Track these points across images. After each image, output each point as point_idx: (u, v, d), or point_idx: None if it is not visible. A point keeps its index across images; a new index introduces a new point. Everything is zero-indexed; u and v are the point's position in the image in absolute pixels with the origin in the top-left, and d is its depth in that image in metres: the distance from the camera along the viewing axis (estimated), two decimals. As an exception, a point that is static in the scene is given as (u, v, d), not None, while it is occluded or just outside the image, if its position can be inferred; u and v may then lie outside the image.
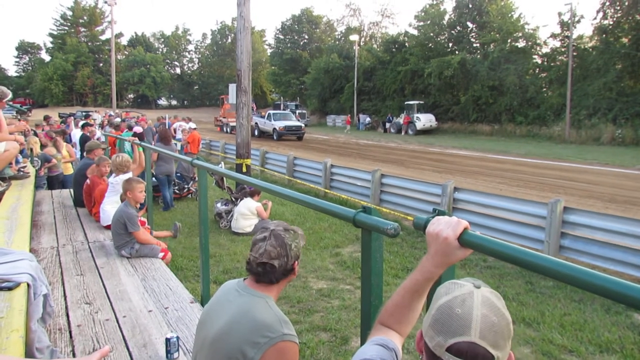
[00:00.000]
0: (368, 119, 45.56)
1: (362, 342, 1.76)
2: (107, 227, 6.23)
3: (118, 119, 19.80)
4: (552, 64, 35.49)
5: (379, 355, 1.35)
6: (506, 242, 1.41)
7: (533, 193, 12.27)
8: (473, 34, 41.94)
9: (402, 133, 38.84)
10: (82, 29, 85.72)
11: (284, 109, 44.22)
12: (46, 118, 17.91)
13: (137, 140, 8.39)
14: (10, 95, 4.87)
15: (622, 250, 6.33)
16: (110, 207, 6.21)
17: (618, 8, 31.20)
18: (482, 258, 7.25)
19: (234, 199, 9.61)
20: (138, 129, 12.26)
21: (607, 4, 31.48)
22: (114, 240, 5.38)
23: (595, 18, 32.47)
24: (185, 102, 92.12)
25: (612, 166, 18.47)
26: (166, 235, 6.32)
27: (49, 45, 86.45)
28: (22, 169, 7.14)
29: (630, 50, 29.12)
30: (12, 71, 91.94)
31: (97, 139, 12.33)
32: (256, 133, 34.03)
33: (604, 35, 31.51)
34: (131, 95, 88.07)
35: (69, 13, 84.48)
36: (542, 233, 7.21)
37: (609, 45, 30.57)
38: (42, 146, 10.08)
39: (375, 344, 1.40)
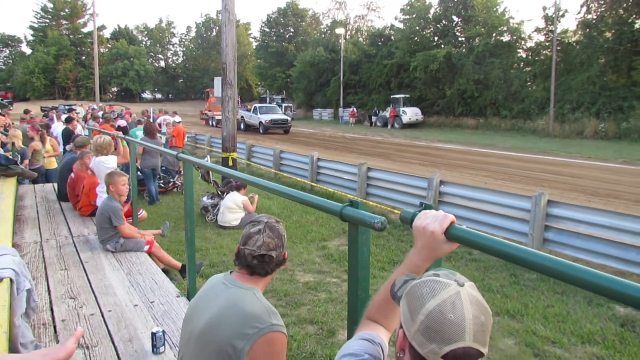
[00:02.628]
0: (351, 111, 45.28)
1: (349, 336, 1.77)
2: None
3: (101, 113, 19.59)
4: (536, 59, 35.71)
5: (364, 350, 1.35)
6: (491, 235, 1.41)
7: (518, 186, 12.37)
8: (458, 28, 42.05)
9: (389, 127, 38.93)
10: (64, 22, 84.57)
11: (270, 103, 44.10)
12: (27, 112, 17.66)
13: (121, 134, 8.32)
14: None
15: (605, 243, 6.42)
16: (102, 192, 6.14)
17: (602, 3, 31.47)
18: (468, 251, 7.30)
19: (220, 193, 9.57)
20: (122, 122, 12.16)
21: (591, -2, 31.75)
22: (99, 234, 5.34)
23: (579, 13, 32.77)
24: (170, 95, 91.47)
25: (595, 160, 18.69)
26: (155, 233, 6.26)
27: (30, 38, 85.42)
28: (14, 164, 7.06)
29: (614, 45, 29.41)
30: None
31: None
32: (242, 127, 33.87)
33: (588, 30, 31.76)
34: (115, 89, 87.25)
35: (50, 5, 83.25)
36: (527, 226, 7.28)
37: (593, 39, 30.84)
38: (29, 139, 9.92)
39: (361, 339, 1.40)
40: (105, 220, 5.18)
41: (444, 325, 1.01)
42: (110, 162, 6.42)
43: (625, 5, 29.89)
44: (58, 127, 13.93)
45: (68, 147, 9.72)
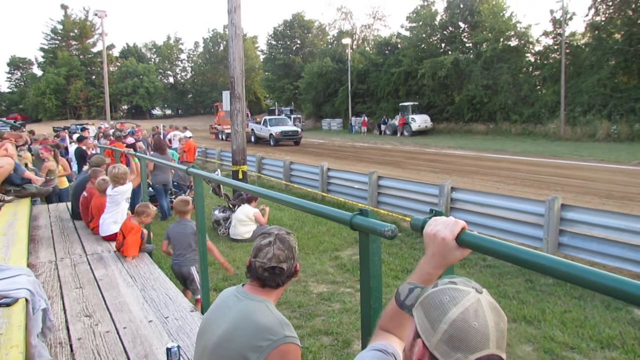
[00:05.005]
0: (362, 120, 45.41)
1: (363, 347, 1.76)
2: (106, 239, 6.21)
3: (112, 131, 19.73)
4: (545, 62, 35.52)
5: None
6: (505, 240, 1.40)
7: (530, 191, 12.29)
8: (465, 33, 41.98)
9: (398, 134, 38.90)
10: (73, 42, 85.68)
11: (278, 114, 44.25)
12: (32, 133, 17.82)
13: (131, 151, 8.38)
14: None
15: (621, 246, 6.34)
16: (110, 218, 6.19)
17: (610, 4, 31.25)
18: (482, 257, 7.25)
19: (231, 206, 9.60)
20: (131, 140, 12.26)
21: (599, 0, 31.57)
22: (182, 258, 5.43)
23: (587, 15, 32.56)
24: (180, 111, 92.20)
25: (608, 162, 18.52)
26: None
27: (41, 59, 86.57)
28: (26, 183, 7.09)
29: (623, 46, 29.19)
30: (4, 87, 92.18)
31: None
32: (253, 139, 34.03)
33: (596, 32, 31.54)
34: (125, 107, 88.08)
35: (60, 27, 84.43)
36: (541, 231, 7.22)
37: (602, 41, 30.63)
38: (41, 160, 9.99)
39: (373, 349, 1.39)
40: (192, 240, 5.34)
41: (468, 334, 1.00)
42: (128, 191, 6.46)
43: (634, 5, 29.69)
44: (73, 147, 14.04)
45: (85, 168, 9.77)
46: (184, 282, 5.61)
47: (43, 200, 9.21)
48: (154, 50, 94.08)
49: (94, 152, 12.40)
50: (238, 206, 9.14)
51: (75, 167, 12.36)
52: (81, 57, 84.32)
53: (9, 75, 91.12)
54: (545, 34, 35.80)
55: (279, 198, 2.76)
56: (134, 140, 12.21)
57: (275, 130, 32.80)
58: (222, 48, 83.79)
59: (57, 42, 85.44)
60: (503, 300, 5.75)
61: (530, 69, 37.55)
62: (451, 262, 1.38)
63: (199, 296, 5.34)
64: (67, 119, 74.67)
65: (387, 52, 48.95)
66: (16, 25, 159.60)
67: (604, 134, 27.40)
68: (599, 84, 29.86)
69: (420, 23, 43.66)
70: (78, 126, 37.79)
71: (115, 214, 6.19)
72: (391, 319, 1.47)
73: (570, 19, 33.21)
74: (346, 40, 51.68)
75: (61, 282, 4.83)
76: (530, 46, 37.67)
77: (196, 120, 69.13)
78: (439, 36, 43.69)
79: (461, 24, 42.00)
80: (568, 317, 5.27)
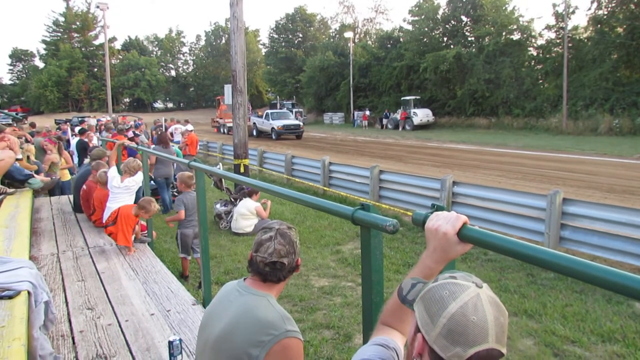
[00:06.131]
0: (363, 114, 45.41)
1: (365, 341, 1.76)
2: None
3: (112, 123, 19.69)
4: (547, 56, 35.44)
5: (378, 355, 1.34)
6: (506, 235, 1.40)
7: (532, 185, 12.27)
8: (467, 27, 41.88)
9: (400, 129, 38.83)
10: (75, 35, 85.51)
11: (280, 108, 44.20)
12: (33, 125, 17.81)
13: (133, 144, 8.38)
14: None
15: (622, 240, 6.33)
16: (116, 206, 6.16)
17: (612, -2, 31.18)
18: (483, 252, 7.24)
19: (233, 200, 9.60)
20: (130, 134, 12.25)
21: (602, -7, 31.46)
22: (195, 222, 6.20)
23: (589, 8, 32.47)
24: (182, 104, 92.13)
25: (610, 156, 18.48)
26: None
27: (43, 52, 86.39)
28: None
29: (626, 40, 29.09)
30: (6, 79, 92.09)
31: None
32: (255, 133, 34.04)
33: (598, 26, 31.44)
34: (127, 99, 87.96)
35: (61, 19, 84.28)
36: (542, 225, 7.21)
37: (604, 35, 30.52)
38: (43, 152, 9.97)
39: (375, 344, 1.39)
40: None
41: (467, 328, 1.00)
42: (141, 181, 6.47)
43: (636, -1, 29.60)
44: (74, 139, 14.05)
45: (86, 161, 9.76)
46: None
47: (45, 192, 9.19)
48: (156, 43, 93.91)
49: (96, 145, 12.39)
50: (240, 200, 9.14)
51: (76, 160, 12.36)
52: (83, 49, 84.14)
53: (11, 67, 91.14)
54: (548, 27, 35.72)
55: (280, 192, 2.76)
56: (132, 135, 12.19)
57: (277, 124, 32.79)
58: (224, 41, 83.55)
59: (59, 34, 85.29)
60: (504, 294, 5.76)
61: (533, 63, 37.45)
62: (452, 257, 1.37)
63: (199, 255, 5.85)
64: (69, 111, 74.67)
65: (389, 45, 48.87)
66: (18, 17, 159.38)
67: (606, 128, 27.34)
68: (601, 77, 29.79)
69: (423, 17, 43.62)
70: (79, 119, 37.82)
71: (124, 203, 6.19)
72: (393, 314, 1.47)
73: (573, 12, 33.21)
74: (348, 34, 51.59)
75: (63, 275, 4.85)
76: (533, 40, 37.56)
77: (198, 114, 69.08)
78: (441, 30, 43.61)
79: (463, 18, 41.90)
80: (569, 311, 5.27)
